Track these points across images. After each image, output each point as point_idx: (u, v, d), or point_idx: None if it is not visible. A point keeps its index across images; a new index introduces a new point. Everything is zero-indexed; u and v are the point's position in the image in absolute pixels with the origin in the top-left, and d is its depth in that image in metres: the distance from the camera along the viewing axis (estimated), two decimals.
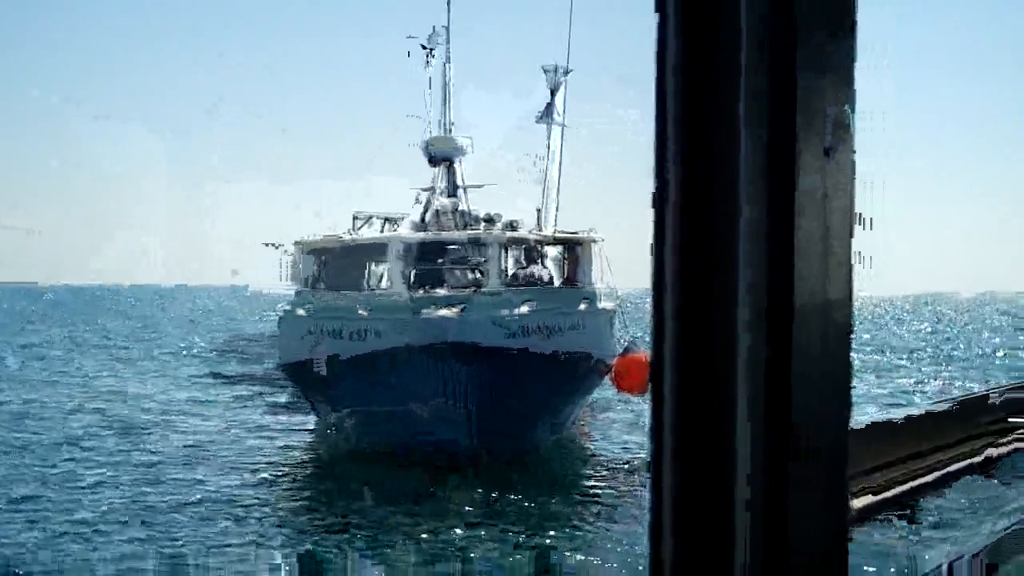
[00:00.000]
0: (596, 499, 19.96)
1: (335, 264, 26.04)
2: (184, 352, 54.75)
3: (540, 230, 26.29)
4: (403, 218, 27.80)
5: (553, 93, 27.72)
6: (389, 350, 21.50)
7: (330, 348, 22.83)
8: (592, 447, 25.64)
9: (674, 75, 1.37)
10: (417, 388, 21.16)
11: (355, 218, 28.58)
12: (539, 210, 27.28)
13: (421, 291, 22.80)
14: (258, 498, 20.22)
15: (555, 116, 27.62)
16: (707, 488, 1.31)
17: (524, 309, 22.53)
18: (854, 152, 1.49)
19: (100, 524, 18.41)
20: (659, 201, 1.40)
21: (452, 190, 28.92)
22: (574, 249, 26.25)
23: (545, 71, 27.69)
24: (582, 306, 24.40)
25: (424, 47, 29.36)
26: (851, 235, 1.48)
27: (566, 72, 27.46)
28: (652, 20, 1.46)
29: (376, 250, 25.88)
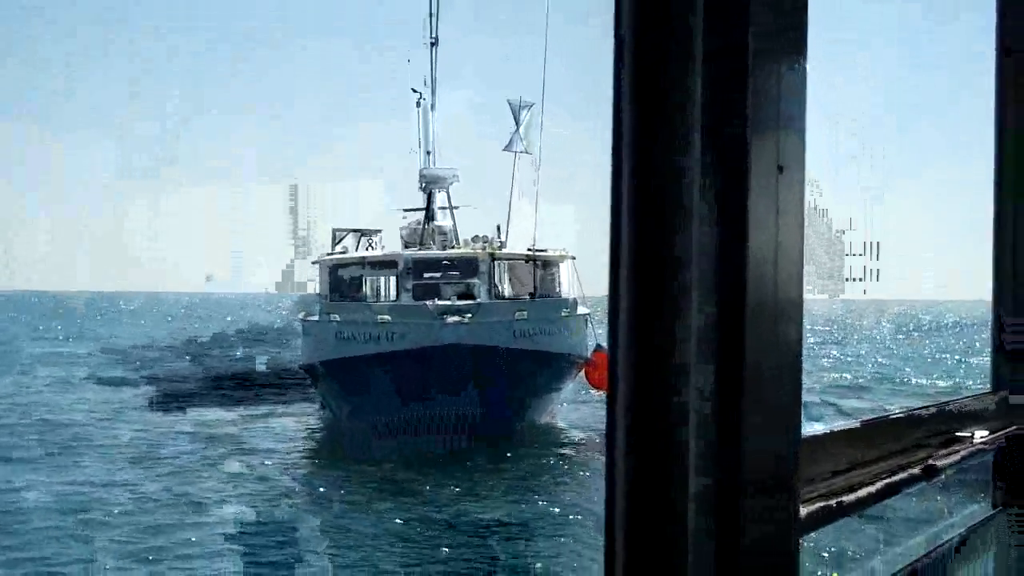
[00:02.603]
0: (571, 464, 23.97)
1: (345, 278, 29.07)
2: None
3: (503, 243, 29.21)
4: (377, 232, 31.38)
5: (517, 124, 29.73)
6: (411, 350, 24.50)
7: (355, 349, 25.68)
8: (561, 428, 29.14)
9: (630, 102, 1.36)
10: (435, 381, 24.17)
11: (334, 233, 31.38)
12: (499, 227, 29.89)
13: (429, 302, 25.69)
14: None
15: (518, 145, 29.69)
16: (659, 493, 1.25)
17: (517, 316, 26.05)
18: (805, 175, 1.49)
19: None
20: (615, 224, 1.38)
21: (431, 214, 31.43)
22: (549, 265, 29.42)
23: (510, 104, 29.82)
24: (562, 313, 27.73)
25: (415, 90, 32.52)
26: (801, 250, 1.47)
27: (529, 106, 29.63)
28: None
29: (383, 265, 29.05)
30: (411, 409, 24.57)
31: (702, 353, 1.29)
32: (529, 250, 28.81)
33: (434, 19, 31.99)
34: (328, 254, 30.38)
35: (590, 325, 28.66)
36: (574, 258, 29.91)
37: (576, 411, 30.72)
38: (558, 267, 29.76)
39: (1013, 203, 2.74)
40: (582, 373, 28.03)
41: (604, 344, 26.68)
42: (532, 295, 28.36)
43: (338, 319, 27.03)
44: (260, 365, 46.12)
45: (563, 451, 26.16)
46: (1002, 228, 2.70)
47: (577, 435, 27.92)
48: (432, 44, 32.07)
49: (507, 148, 30.15)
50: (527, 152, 29.84)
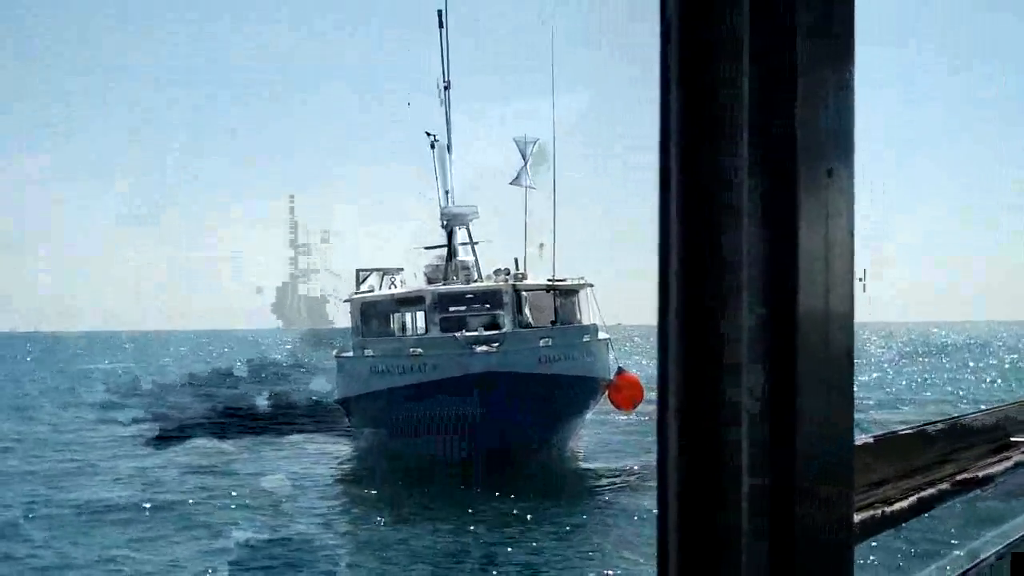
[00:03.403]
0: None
1: (375, 314, 30.41)
2: None
3: (524, 274, 30.03)
4: (399, 271, 32.73)
5: (525, 161, 30.77)
6: (446, 379, 25.56)
7: (390, 382, 26.89)
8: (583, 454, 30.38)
9: (678, 102, 1.34)
10: (472, 406, 25.25)
11: (358, 273, 32.69)
12: (516, 259, 30.63)
13: (458, 334, 26.69)
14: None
15: (526, 181, 30.70)
16: (711, 493, 1.23)
17: (542, 343, 27.15)
18: (854, 174, 1.48)
19: None
20: (663, 224, 1.37)
21: (453, 251, 32.61)
22: (569, 293, 30.36)
23: (516, 142, 30.94)
24: (585, 339, 28.89)
25: (429, 133, 34.03)
26: (852, 254, 1.45)
27: (535, 142, 30.83)
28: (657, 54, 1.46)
29: (411, 301, 30.20)
30: (414, 408, 25.60)
31: (754, 353, 1.26)
32: (549, 280, 29.54)
33: (446, 63, 33.35)
34: (355, 293, 31.52)
35: (611, 349, 29.65)
36: (592, 286, 30.92)
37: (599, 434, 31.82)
38: (577, 295, 30.64)
39: None
40: (606, 395, 28.71)
41: (622, 369, 28.76)
42: (553, 323, 29.11)
43: (372, 354, 28.30)
44: (285, 398, 46.62)
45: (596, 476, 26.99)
46: None
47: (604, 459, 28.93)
48: (445, 88, 33.51)
49: (514, 182, 31.20)
50: (533, 188, 30.82)
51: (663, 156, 1.34)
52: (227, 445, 32.86)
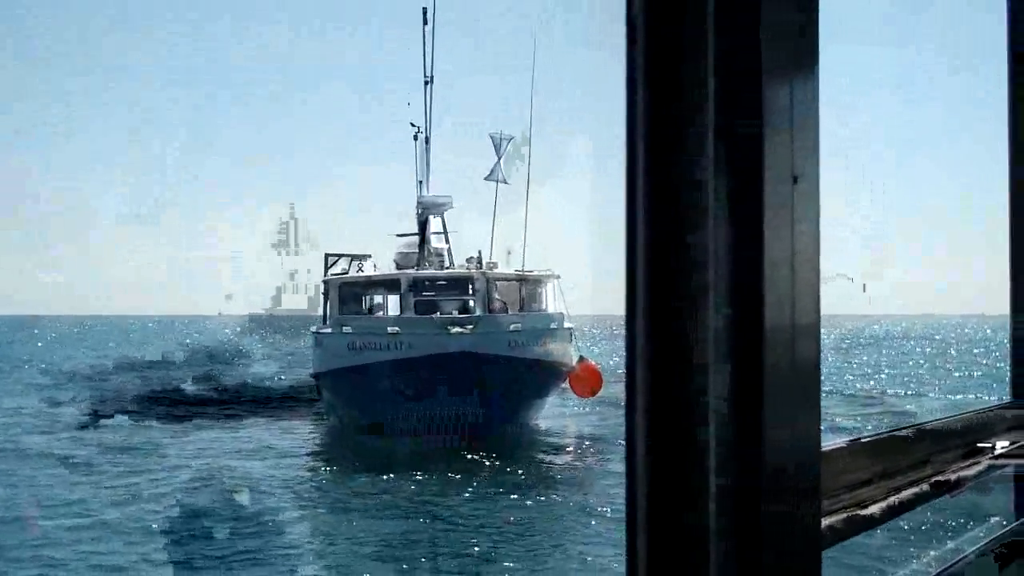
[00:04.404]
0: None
1: (352, 295, 31.81)
2: None
3: (493, 262, 31.08)
4: (367, 257, 33.32)
5: (499, 156, 31.90)
6: (422, 357, 26.86)
7: (368, 357, 28.12)
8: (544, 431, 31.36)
9: (644, 102, 1.30)
10: (443, 384, 26.63)
11: (326, 258, 33.44)
12: (480, 252, 31.49)
13: (435, 315, 28.29)
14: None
15: (499, 175, 31.93)
16: (680, 493, 1.23)
17: (512, 327, 28.59)
18: (819, 179, 1.48)
19: None
20: (630, 224, 1.37)
21: (426, 239, 33.15)
22: (536, 283, 31.83)
23: (492, 138, 32.11)
24: (552, 326, 30.40)
25: (414, 124, 34.96)
26: (818, 258, 1.46)
27: (510, 139, 32.10)
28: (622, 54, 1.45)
29: (386, 284, 31.76)
30: (414, 407, 26.67)
31: (721, 353, 1.25)
32: (517, 271, 30.81)
33: (428, 59, 34.32)
34: (332, 275, 32.43)
35: (573, 338, 30.92)
36: (559, 277, 32.27)
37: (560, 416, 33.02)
38: (544, 285, 31.99)
39: None
40: (567, 382, 29.84)
41: (584, 358, 30.02)
42: (520, 310, 30.28)
43: (350, 330, 29.26)
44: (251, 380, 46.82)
45: (556, 451, 28.43)
46: (1020, 235, 2.68)
47: (563, 435, 30.64)
48: (427, 83, 34.54)
49: (489, 178, 32.25)
50: (506, 183, 31.92)
51: (630, 155, 1.33)
52: (154, 426, 32.94)
